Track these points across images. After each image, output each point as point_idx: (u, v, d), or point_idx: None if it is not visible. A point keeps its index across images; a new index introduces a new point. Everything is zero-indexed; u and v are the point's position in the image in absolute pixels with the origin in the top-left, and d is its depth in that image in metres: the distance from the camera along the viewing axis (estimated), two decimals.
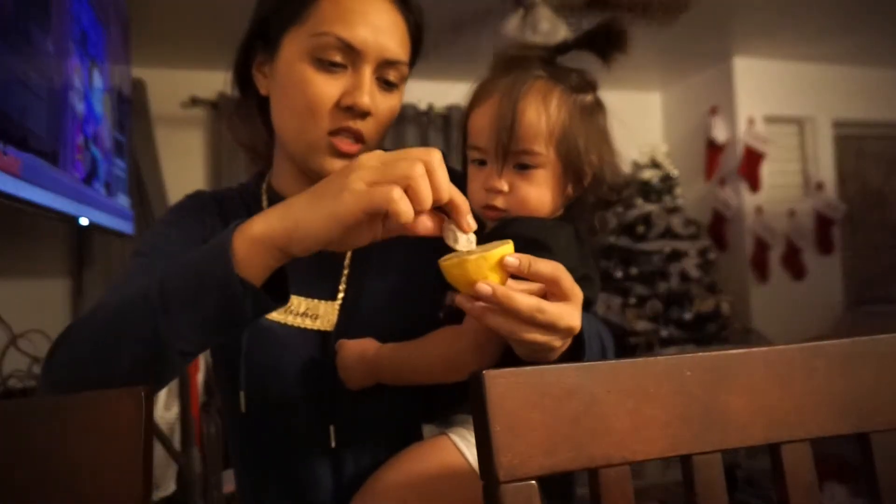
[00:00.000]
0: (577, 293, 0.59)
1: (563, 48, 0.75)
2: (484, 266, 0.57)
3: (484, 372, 0.49)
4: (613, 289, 3.61)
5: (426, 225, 0.58)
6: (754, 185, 3.90)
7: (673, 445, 0.53)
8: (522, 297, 0.56)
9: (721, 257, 3.96)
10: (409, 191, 0.54)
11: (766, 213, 3.91)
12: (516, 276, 0.58)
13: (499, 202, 0.72)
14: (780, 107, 4.03)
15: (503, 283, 0.57)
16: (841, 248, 4.16)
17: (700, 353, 0.56)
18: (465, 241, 0.59)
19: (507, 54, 0.76)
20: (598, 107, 0.76)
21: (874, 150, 4.43)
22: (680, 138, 4.34)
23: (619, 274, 3.64)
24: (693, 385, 0.54)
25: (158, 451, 1.58)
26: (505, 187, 0.72)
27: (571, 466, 0.50)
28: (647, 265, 3.63)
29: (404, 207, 0.54)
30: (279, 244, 0.57)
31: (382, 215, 0.57)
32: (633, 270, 3.62)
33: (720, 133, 3.96)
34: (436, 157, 0.56)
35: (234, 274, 0.56)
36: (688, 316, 3.56)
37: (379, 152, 0.57)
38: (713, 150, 4.03)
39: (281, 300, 0.61)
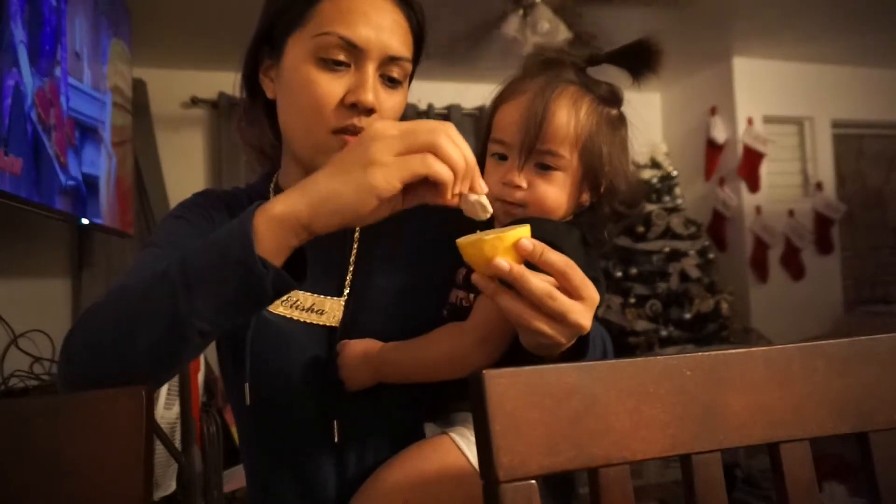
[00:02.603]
0: (591, 294, 0.60)
1: (596, 60, 0.76)
2: (499, 246, 0.58)
3: (484, 372, 0.49)
4: (613, 288, 3.61)
5: (451, 199, 0.60)
6: (754, 185, 3.90)
7: (672, 445, 0.53)
8: (536, 279, 0.57)
9: (721, 257, 3.96)
10: (439, 156, 0.56)
11: (765, 213, 3.91)
12: (529, 264, 0.59)
13: (516, 198, 0.72)
14: (779, 107, 4.03)
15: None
16: (840, 248, 4.16)
17: (700, 353, 0.56)
18: (480, 206, 0.60)
19: (541, 56, 0.77)
20: (621, 121, 0.77)
21: (873, 150, 4.43)
22: (679, 138, 4.34)
23: (618, 274, 3.64)
24: (692, 385, 0.55)
25: (159, 450, 1.58)
26: (524, 184, 0.72)
27: (571, 466, 0.50)
28: (647, 265, 3.63)
29: (443, 169, 0.56)
30: (303, 221, 0.58)
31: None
32: (633, 270, 3.62)
33: (719, 133, 3.96)
34: (452, 127, 0.58)
35: (255, 253, 0.57)
36: (687, 316, 3.56)
37: (391, 121, 0.59)
38: (713, 150, 4.03)
39: (299, 279, 0.61)
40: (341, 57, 0.74)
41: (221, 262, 0.58)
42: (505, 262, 0.57)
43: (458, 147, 0.57)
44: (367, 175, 0.56)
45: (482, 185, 0.60)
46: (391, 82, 0.77)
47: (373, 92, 0.74)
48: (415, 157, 0.56)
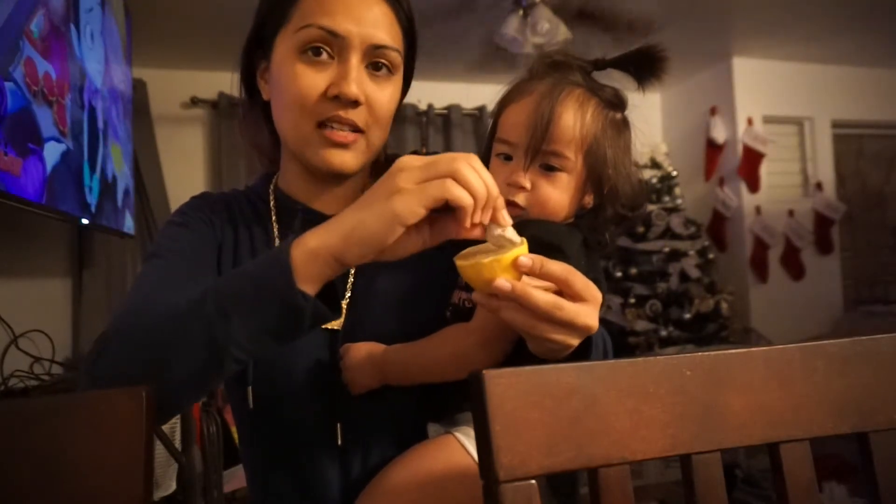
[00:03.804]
0: (594, 294, 0.60)
1: (601, 65, 0.77)
2: (497, 268, 0.58)
3: (484, 372, 0.49)
4: (613, 289, 3.61)
5: (474, 230, 0.60)
6: (753, 185, 3.90)
7: (672, 445, 0.53)
8: (540, 293, 0.57)
9: (720, 257, 3.97)
10: (459, 182, 0.57)
11: (765, 213, 3.91)
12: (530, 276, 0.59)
13: (519, 198, 0.73)
14: (779, 107, 4.04)
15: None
16: (840, 248, 4.16)
17: (700, 353, 0.56)
18: (505, 239, 0.60)
19: (548, 58, 0.78)
20: (625, 125, 0.77)
21: (873, 150, 4.43)
22: (679, 138, 4.34)
23: (618, 274, 3.64)
24: (692, 385, 0.55)
25: (159, 450, 1.58)
26: (528, 184, 0.72)
27: (571, 466, 0.50)
28: (647, 265, 3.63)
29: (463, 194, 0.57)
30: (335, 254, 0.59)
31: (430, 220, 0.60)
32: (633, 270, 3.62)
33: (719, 133, 3.96)
34: (474, 157, 0.59)
35: (296, 287, 0.58)
36: (687, 316, 3.56)
37: (416, 156, 0.60)
38: (712, 150, 4.03)
39: (335, 310, 0.62)
40: (324, 48, 0.74)
41: (261, 293, 0.59)
42: (506, 282, 0.57)
43: (478, 174, 0.58)
44: (390, 203, 0.57)
45: (506, 217, 0.60)
46: (378, 71, 0.76)
47: (356, 83, 0.73)
48: (434, 182, 0.57)
